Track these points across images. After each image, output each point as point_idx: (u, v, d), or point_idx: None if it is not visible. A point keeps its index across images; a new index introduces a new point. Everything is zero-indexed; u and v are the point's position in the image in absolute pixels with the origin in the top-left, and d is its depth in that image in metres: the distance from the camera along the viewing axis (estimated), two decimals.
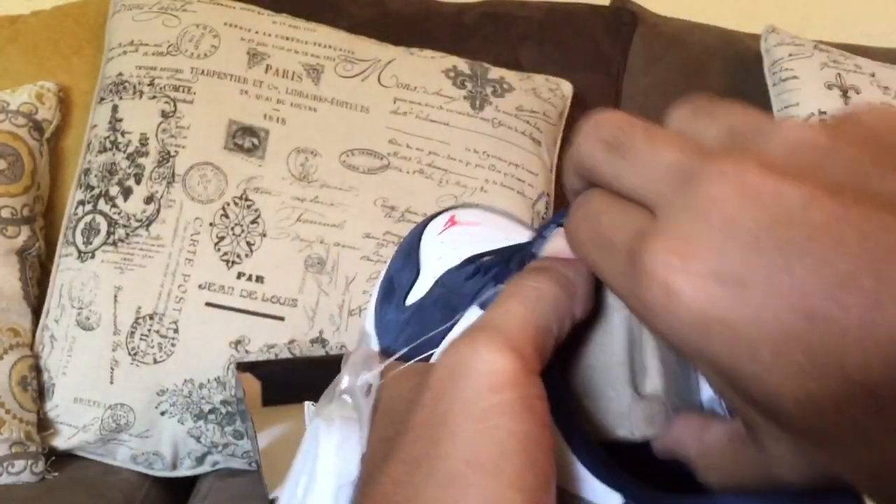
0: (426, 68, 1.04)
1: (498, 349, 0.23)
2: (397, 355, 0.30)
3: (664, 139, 0.20)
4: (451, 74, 1.04)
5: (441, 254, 0.31)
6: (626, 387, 0.24)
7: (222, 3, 1.03)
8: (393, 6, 1.16)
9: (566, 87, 1.12)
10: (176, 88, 0.97)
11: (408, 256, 0.32)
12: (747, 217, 0.17)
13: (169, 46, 0.99)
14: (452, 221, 0.32)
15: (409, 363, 0.29)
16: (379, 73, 1.02)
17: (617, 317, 0.26)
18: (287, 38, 1.01)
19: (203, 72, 0.98)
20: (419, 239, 0.33)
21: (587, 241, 0.22)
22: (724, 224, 0.17)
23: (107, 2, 1.07)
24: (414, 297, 0.31)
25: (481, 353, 0.23)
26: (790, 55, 1.10)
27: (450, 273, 0.30)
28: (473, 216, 0.30)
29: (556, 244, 0.26)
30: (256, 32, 1.01)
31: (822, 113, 1.06)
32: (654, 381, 0.25)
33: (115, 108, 0.98)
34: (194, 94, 0.97)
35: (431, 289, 0.30)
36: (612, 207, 0.21)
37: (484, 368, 0.22)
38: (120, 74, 0.99)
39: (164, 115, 0.96)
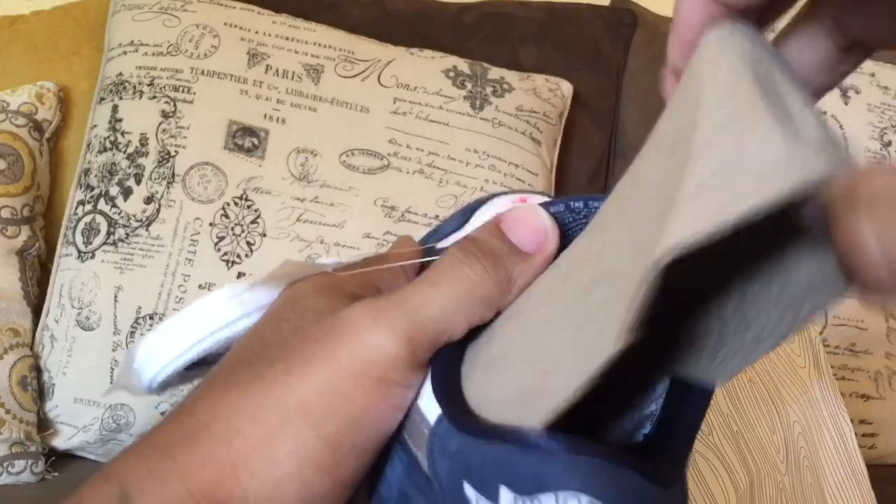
0: (426, 68, 1.04)
1: (394, 336, 0.23)
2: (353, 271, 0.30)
3: None
4: (451, 74, 1.04)
5: None
6: (772, 127, 0.18)
7: (222, 3, 1.03)
8: (393, 6, 1.16)
9: (566, 87, 1.12)
10: (176, 88, 0.97)
11: (462, 213, 0.33)
12: None
13: (169, 46, 0.99)
14: (522, 200, 0.33)
15: (338, 271, 0.29)
16: (379, 73, 1.02)
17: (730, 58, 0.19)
18: (287, 39, 1.01)
19: (203, 72, 0.98)
20: (482, 203, 0.33)
21: None
22: None
23: (107, 2, 1.07)
24: (444, 244, 0.32)
25: (378, 330, 0.23)
26: None
27: None
28: (541, 200, 0.30)
29: (522, 214, 0.25)
30: (256, 32, 1.01)
31: (821, 113, 1.06)
32: (815, 128, 0.18)
33: (115, 109, 0.98)
34: (194, 94, 0.97)
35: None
36: None
37: (371, 342, 0.23)
38: (120, 74, 0.99)
39: (164, 115, 0.96)
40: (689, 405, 0.26)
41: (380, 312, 0.24)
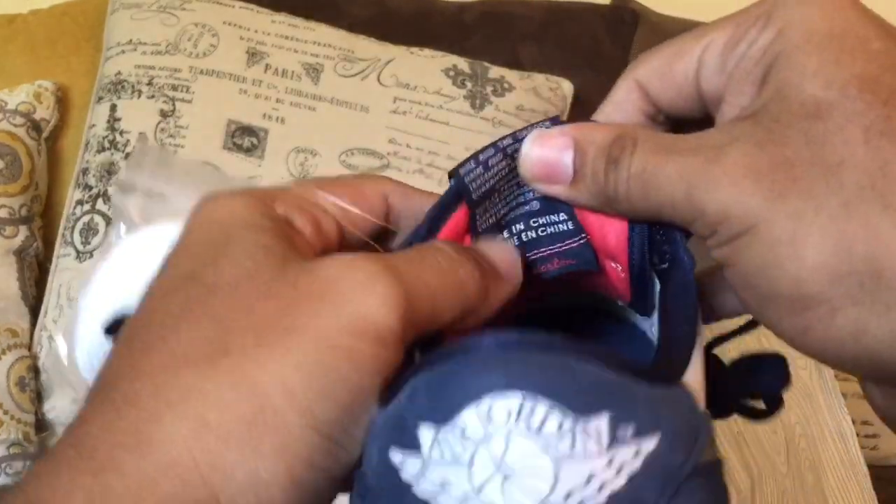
0: (426, 67, 1.04)
1: (390, 304, 0.19)
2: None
3: None
4: (451, 74, 1.04)
5: None
6: None
7: (221, 1, 1.03)
8: (393, 5, 1.16)
9: (566, 87, 1.11)
10: (175, 88, 0.97)
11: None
12: None
13: (168, 45, 0.99)
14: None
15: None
16: (378, 72, 1.02)
17: None
18: (286, 38, 1.01)
19: (202, 71, 0.97)
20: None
21: None
22: None
23: (105, 1, 1.06)
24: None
25: (372, 295, 0.19)
26: None
27: None
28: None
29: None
30: (255, 31, 1.01)
31: None
32: None
33: (113, 108, 0.98)
34: (193, 93, 0.96)
35: None
36: None
37: (364, 309, 0.19)
38: (118, 74, 0.99)
39: (163, 114, 0.96)
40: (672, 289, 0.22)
41: (373, 276, 0.20)
